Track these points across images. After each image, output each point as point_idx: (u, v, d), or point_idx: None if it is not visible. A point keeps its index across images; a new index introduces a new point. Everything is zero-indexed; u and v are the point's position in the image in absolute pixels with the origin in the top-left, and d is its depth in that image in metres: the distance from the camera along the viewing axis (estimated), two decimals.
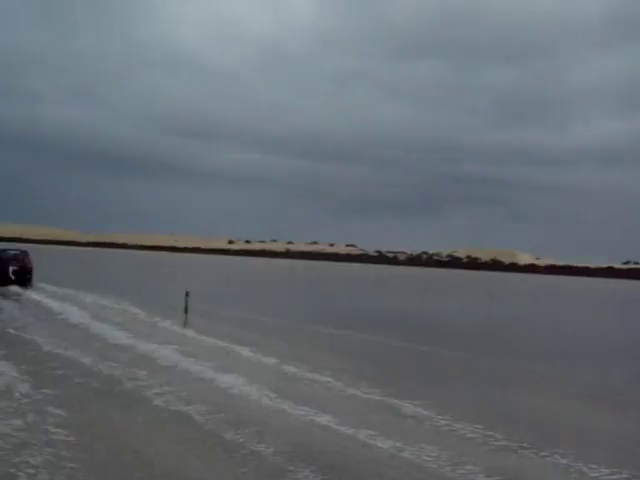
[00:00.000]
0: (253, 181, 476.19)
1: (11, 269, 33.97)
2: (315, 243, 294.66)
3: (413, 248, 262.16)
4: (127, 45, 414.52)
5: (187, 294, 26.61)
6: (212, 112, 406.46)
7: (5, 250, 36.56)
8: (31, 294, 30.63)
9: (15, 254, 35.73)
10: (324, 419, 10.38)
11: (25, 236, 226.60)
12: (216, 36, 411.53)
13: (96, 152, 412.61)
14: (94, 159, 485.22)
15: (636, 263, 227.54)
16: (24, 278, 34.03)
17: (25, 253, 35.97)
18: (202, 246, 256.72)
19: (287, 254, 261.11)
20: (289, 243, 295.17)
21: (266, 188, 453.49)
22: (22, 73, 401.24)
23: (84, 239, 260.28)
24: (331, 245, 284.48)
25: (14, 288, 32.39)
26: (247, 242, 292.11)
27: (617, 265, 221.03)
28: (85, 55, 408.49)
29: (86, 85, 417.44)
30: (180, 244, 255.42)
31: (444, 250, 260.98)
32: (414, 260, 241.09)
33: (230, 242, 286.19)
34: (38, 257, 42.33)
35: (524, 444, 9.69)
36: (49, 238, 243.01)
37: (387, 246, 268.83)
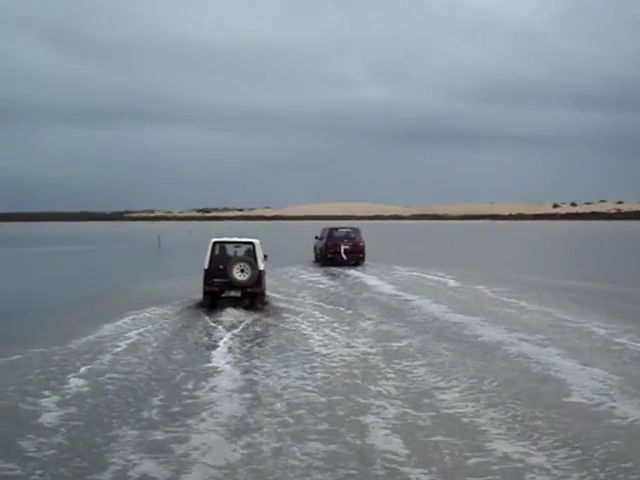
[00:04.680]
0: (569, 140, 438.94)
1: (343, 248, 31.13)
2: None
3: None
4: (422, 18, 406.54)
5: None
6: (514, 73, 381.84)
7: (337, 229, 33.55)
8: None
9: (347, 232, 32.83)
10: None
11: (351, 213, 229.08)
12: None
13: (406, 128, 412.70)
14: (405, 135, 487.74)
15: None
16: (357, 257, 31.42)
17: (357, 231, 32.90)
18: (526, 212, 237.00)
19: (618, 215, 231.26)
20: (619, 203, 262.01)
21: (584, 146, 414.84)
22: (326, 59, 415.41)
23: (407, 213, 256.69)
24: None
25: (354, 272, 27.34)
26: (573, 205, 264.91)
27: None
28: (384, 34, 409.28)
29: (389, 63, 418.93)
30: (503, 212, 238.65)
31: None
32: None
33: (555, 206, 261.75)
34: (368, 233, 35.46)
35: None
36: (373, 214, 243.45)
37: None
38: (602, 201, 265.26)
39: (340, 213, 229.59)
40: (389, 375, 10.06)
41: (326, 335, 13.39)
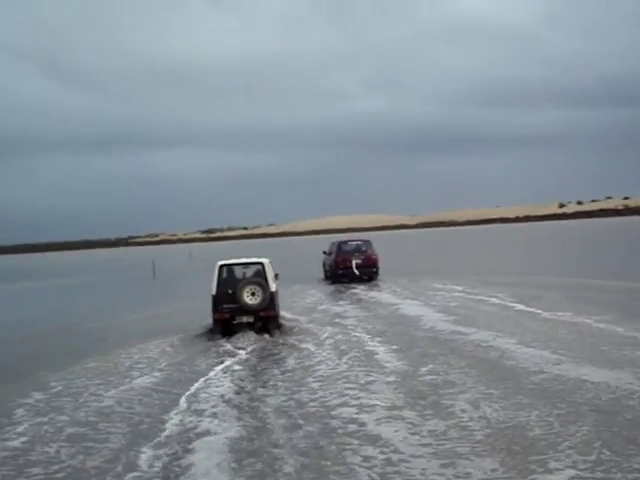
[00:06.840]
0: (571, 139, 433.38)
1: (354, 262, 28.22)
2: None
3: None
4: (413, 28, 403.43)
5: None
6: (511, 75, 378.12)
7: (346, 242, 30.28)
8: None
9: (357, 245, 29.69)
10: None
11: (357, 226, 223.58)
12: None
13: (405, 137, 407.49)
14: (404, 144, 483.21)
15: None
16: (370, 272, 28.43)
17: (368, 243, 29.83)
18: (532, 214, 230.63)
19: (625, 211, 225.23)
20: (625, 199, 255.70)
21: (586, 144, 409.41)
22: (322, 73, 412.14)
23: (413, 221, 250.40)
24: None
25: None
26: (579, 203, 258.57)
27: None
28: (376, 46, 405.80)
29: (383, 74, 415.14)
30: (509, 215, 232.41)
31: None
32: None
33: (561, 206, 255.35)
34: (378, 245, 30.88)
35: None
36: (379, 225, 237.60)
37: None
38: (608, 198, 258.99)
39: (346, 226, 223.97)
40: None
41: (392, 448, 6.93)
